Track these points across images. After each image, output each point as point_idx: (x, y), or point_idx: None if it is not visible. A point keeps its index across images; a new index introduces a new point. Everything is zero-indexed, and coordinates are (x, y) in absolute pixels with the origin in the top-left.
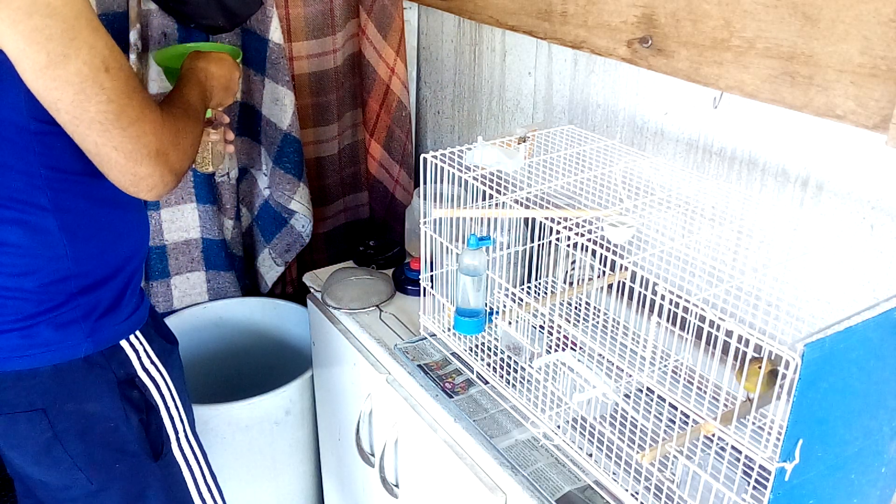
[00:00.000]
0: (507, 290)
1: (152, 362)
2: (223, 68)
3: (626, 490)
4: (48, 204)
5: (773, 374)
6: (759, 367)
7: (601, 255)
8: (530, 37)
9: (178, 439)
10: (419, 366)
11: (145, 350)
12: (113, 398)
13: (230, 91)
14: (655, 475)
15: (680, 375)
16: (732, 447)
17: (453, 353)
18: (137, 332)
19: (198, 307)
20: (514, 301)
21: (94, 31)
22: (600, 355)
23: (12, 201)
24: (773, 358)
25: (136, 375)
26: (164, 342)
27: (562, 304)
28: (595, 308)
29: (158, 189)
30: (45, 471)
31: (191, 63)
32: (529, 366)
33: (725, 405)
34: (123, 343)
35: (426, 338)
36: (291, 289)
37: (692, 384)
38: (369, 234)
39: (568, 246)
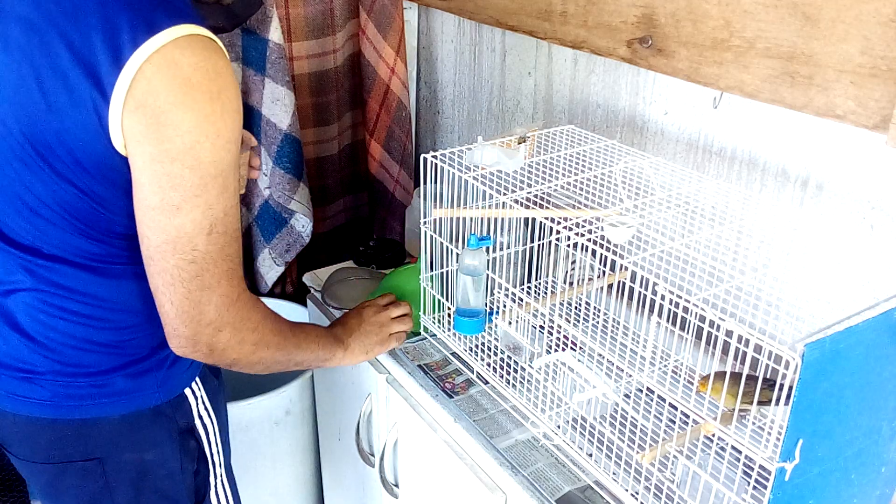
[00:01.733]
0: (507, 290)
1: (206, 408)
2: (371, 349)
3: (626, 490)
4: (129, 261)
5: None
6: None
7: (601, 255)
8: (530, 37)
9: (215, 485)
10: (419, 366)
11: (201, 395)
12: (173, 448)
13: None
14: (655, 475)
15: (680, 375)
16: (732, 447)
17: (453, 353)
18: (196, 377)
19: None
20: (514, 301)
21: (221, 192)
22: (600, 355)
23: (97, 258)
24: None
25: (193, 424)
26: (213, 379)
27: (562, 304)
28: (595, 308)
29: (184, 351)
30: None
31: (352, 327)
32: (529, 366)
33: (725, 405)
34: (187, 391)
35: (426, 338)
36: (291, 289)
37: (692, 384)
38: (369, 234)
39: (568, 246)
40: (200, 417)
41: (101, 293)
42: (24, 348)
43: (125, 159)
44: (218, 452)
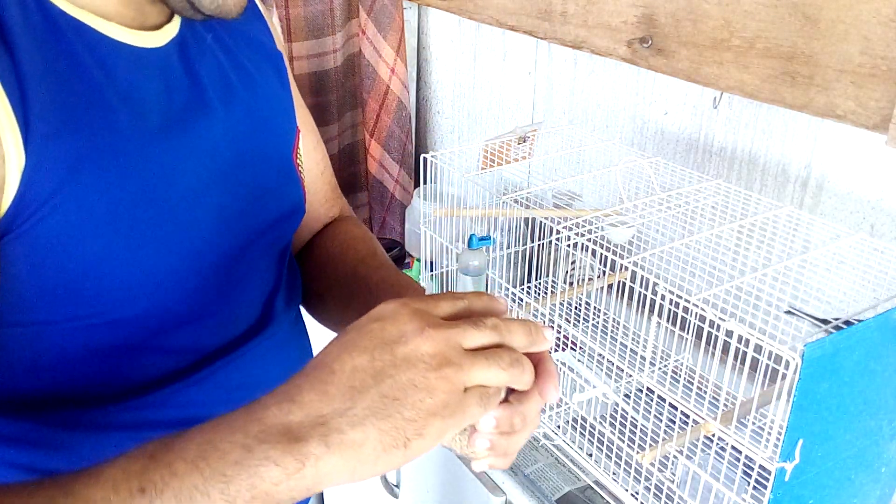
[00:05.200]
0: (507, 290)
1: None
2: (410, 429)
3: (626, 490)
4: None
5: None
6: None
7: (601, 255)
8: (530, 37)
9: None
10: None
11: None
12: None
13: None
14: (655, 475)
15: (680, 375)
16: (732, 447)
17: None
18: None
19: None
20: (514, 301)
21: None
22: (600, 355)
23: None
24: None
25: None
26: None
27: (562, 304)
28: (595, 308)
29: None
30: None
31: (343, 381)
32: None
33: (725, 405)
34: None
35: None
36: None
37: (692, 384)
38: None
39: (568, 246)
40: None
41: None
42: None
43: None
44: None
